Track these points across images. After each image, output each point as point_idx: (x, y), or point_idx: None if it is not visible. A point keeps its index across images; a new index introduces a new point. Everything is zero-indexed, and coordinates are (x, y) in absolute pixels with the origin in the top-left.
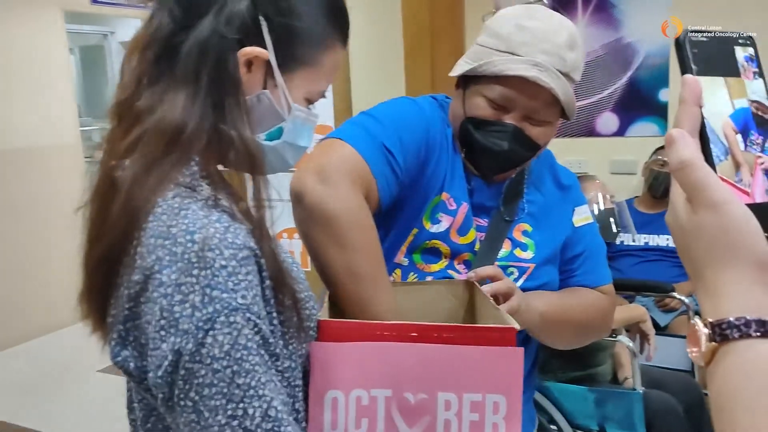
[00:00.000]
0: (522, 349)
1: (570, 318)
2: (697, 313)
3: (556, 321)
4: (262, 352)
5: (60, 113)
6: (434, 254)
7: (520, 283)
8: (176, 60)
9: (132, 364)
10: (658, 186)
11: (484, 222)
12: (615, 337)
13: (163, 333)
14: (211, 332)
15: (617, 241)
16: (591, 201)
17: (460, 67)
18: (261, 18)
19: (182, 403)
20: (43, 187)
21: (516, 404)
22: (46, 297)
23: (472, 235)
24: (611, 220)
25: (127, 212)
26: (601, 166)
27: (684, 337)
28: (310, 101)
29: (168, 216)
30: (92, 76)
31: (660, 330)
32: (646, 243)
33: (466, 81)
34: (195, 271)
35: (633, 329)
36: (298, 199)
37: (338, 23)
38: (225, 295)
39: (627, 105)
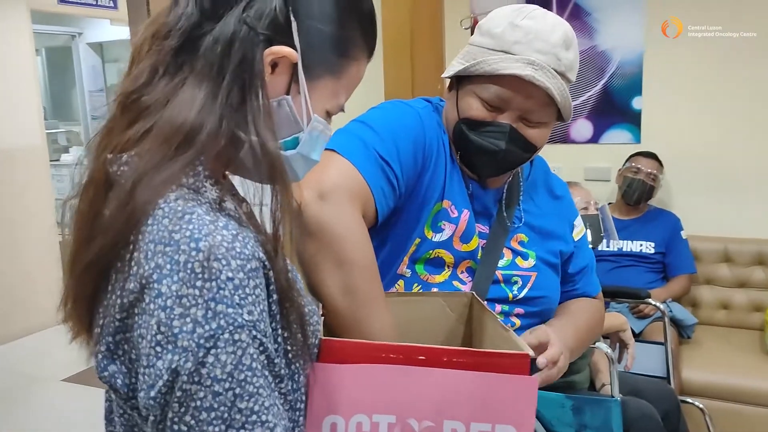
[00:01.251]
0: (536, 378)
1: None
2: (671, 319)
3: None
4: (266, 373)
5: (25, 115)
6: (437, 264)
7: (524, 292)
8: (198, 53)
9: (120, 381)
10: (631, 193)
11: (485, 228)
12: (593, 344)
13: (159, 349)
14: (213, 350)
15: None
16: (577, 206)
17: (453, 68)
18: (292, 17)
19: (176, 427)
20: (8, 188)
21: None
22: (9, 303)
23: (475, 242)
24: (598, 225)
25: (126, 213)
26: (576, 173)
27: (660, 343)
28: (329, 114)
29: (170, 220)
30: (59, 77)
31: (635, 336)
32: (620, 249)
33: (460, 82)
34: (199, 283)
35: (613, 338)
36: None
37: (368, 34)
38: (231, 311)
39: (601, 112)
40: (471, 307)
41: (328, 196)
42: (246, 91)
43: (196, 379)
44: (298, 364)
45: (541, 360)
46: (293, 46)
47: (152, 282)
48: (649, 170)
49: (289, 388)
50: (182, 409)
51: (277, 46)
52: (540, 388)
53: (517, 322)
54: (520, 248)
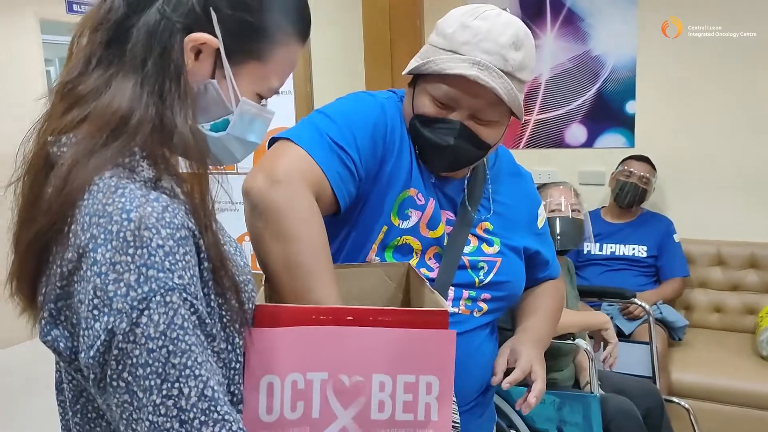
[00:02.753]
0: (454, 331)
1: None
2: (658, 320)
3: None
4: (198, 332)
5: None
6: (406, 251)
7: (490, 277)
8: (127, 44)
9: (62, 344)
10: (624, 196)
11: (452, 215)
12: (573, 340)
13: (96, 312)
14: (146, 312)
15: (584, 251)
16: (550, 206)
17: (410, 65)
18: (210, 8)
19: (115, 383)
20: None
21: (448, 385)
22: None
23: (441, 228)
24: (579, 228)
25: (63, 195)
26: (570, 177)
27: (646, 343)
28: (261, 96)
29: (104, 194)
30: None
31: (624, 337)
32: (612, 252)
33: (416, 79)
34: (131, 250)
35: (596, 336)
36: (245, 194)
37: (294, 21)
38: (161, 275)
39: (595, 117)
40: (408, 276)
41: (280, 179)
42: (167, 78)
43: (131, 338)
44: (233, 328)
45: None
46: (214, 33)
47: (88, 251)
48: (642, 173)
49: (223, 347)
50: (119, 367)
51: (197, 34)
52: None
53: (485, 306)
54: (485, 235)
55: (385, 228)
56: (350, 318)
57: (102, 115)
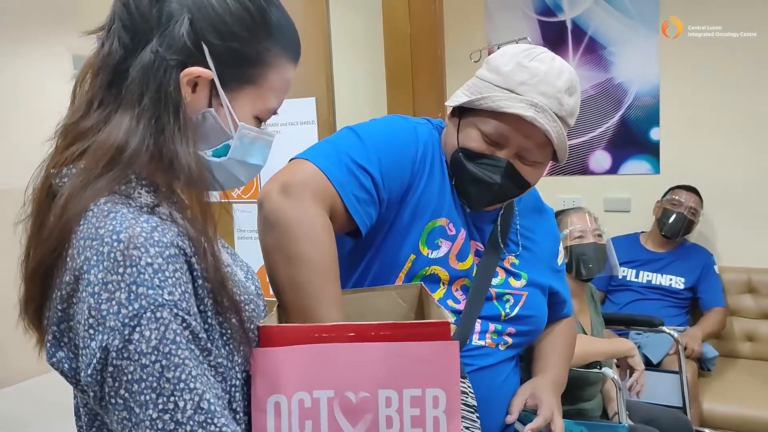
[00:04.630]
0: (457, 342)
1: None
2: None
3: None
4: (192, 347)
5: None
6: (433, 281)
7: (516, 311)
8: (124, 84)
9: (66, 365)
10: (669, 226)
11: (480, 246)
12: (600, 368)
13: (91, 331)
14: (138, 328)
15: (620, 276)
16: (573, 234)
17: (458, 98)
18: (202, 42)
19: (113, 400)
20: None
21: (455, 398)
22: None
23: (470, 260)
24: (602, 255)
25: (61, 224)
26: (595, 204)
27: (675, 372)
28: (260, 119)
29: (97, 218)
30: None
31: (652, 366)
32: (649, 281)
33: (462, 112)
34: (120, 269)
35: (622, 364)
36: (259, 206)
37: (284, 42)
38: (151, 292)
39: (619, 143)
40: (420, 297)
41: (291, 192)
42: (164, 111)
43: (124, 354)
44: (232, 346)
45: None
46: (207, 66)
47: (83, 273)
48: (690, 204)
49: (220, 361)
50: (116, 384)
51: (191, 68)
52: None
53: (510, 340)
54: (512, 269)
55: (412, 257)
56: (352, 334)
57: (99, 147)
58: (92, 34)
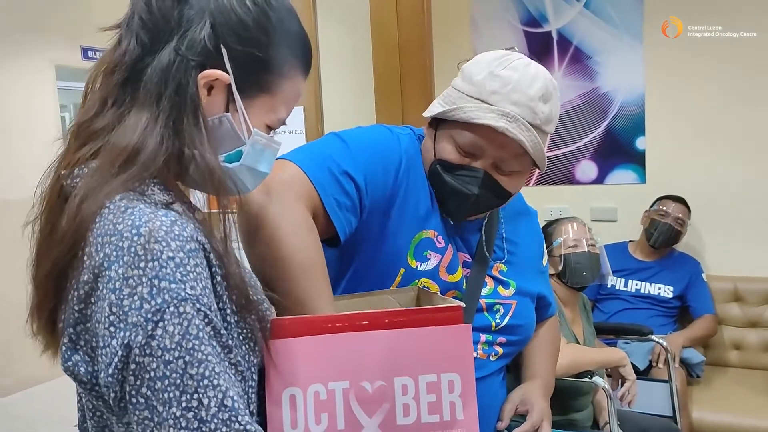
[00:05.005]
0: (470, 325)
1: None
2: (683, 361)
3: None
4: (214, 342)
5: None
6: None
7: (506, 321)
8: (141, 83)
9: (82, 369)
10: (657, 236)
11: (468, 257)
12: (591, 378)
13: (112, 329)
14: (161, 323)
15: (608, 284)
16: (567, 243)
17: (434, 108)
18: (222, 45)
19: (134, 400)
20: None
21: (470, 381)
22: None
23: (460, 273)
24: (596, 263)
25: (76, 224)
26: (582, 213)
27: (665, 381)
28: (270, 128)
29: (114, 215)
30: None
31: (640, 375)
32: (637, 290)
33: (438, 122)
34: (142, 264)
35: (614, 374)
36: (239, 208)
37: (299, 54)
38: (173, 286)
39: (605, 153)
40: (418, 300)
41: (272, 191)
42: (183, 112)
43: (147, 351)
44: (248, 346)
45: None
46: (225, 69)
47: (103, 270)
48: (678, 215)
49: (239, 359)
50: (138, 382)
51: (209, 70)
52: None
53: (500, 350)
54: (501, 277)
55: (402, 270)
56: (366, 322)
57: (114, 148)
58: (108, 30)
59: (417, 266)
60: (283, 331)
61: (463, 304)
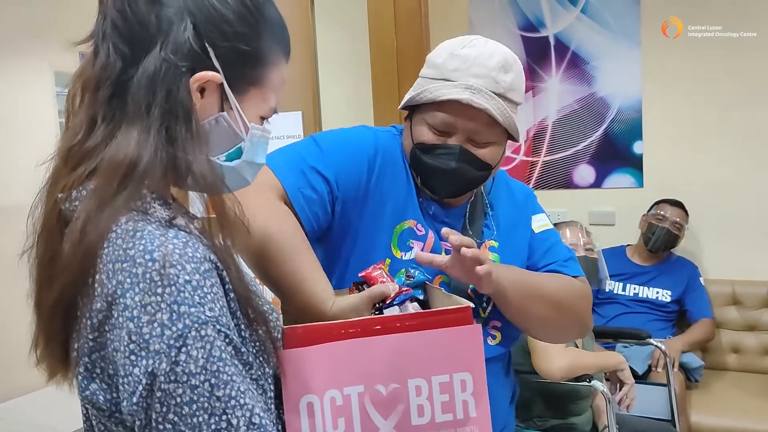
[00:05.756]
0: (480, 325)
1: (543, 292)
2: (682, 366)
3: (528, 289)
4: (236, 362)
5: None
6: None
7: (491, 306)
8: (128, 96)
9: (101, 398)
10: (654, 240)
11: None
12: (589, 381)
13: (133, 358)
14: (184, 348)
15: (606, 289)
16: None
17: (404, 99)
18: (207, 45)
19: (161, 427)
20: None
21: (482, 380)
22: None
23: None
24: (593, 268)
25: (81, 251)
26: (580, 217)
27: (664, 385)
28: (263, 118)
29: (123, 240)
30: None
31: (639, 378)
32: (636, 294)
33: (412, 111)
34: (159, 290)
35: (612, 377)
36: (218, 209)
37: (280, 39)
38: (193, 310)
39: (603, 157)
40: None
41: (248, 189)
42: (175, 119)
43: (172, 377)
44: (262, 358)
45: (451, 238)
46: (215, 69)
47: (117, 297)
48: (676, 219)
49: (260, 373)
50: (164, 409)
51: (201, 73)
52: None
53: (497, 334)
54: (488, 254)
55: (388, 261)
56: (378, 327)
57: (109, 165)
58: (81, 44)
59: (401, 256)
60: (298, 339)
61: (472, 305)
